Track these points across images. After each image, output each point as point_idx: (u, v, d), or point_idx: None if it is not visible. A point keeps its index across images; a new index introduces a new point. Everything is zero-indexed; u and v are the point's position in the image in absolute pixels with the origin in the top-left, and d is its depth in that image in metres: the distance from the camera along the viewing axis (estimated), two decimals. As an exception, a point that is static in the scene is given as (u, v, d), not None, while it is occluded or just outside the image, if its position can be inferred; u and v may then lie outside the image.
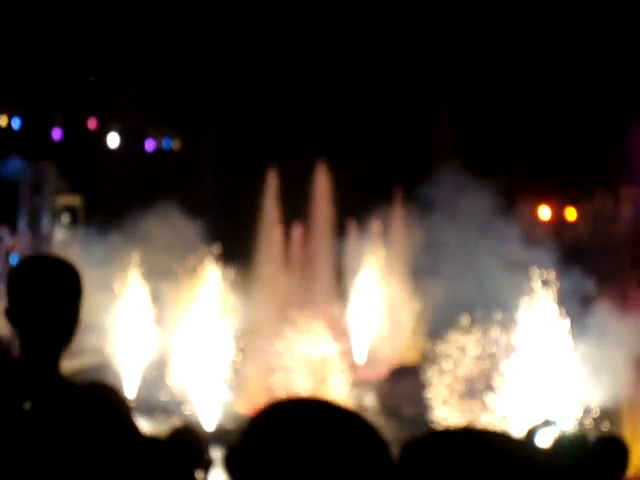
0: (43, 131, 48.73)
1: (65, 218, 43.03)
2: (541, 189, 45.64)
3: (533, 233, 35.10)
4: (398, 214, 39.53)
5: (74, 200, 42.75)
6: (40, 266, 3.44)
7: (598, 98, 48.05)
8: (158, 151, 46.11)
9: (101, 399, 3.30)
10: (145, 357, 32.99)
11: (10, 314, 3.42)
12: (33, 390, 3.27)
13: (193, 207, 36.15)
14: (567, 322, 26.44)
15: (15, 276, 3.45)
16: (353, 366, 34.09)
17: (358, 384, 32.23)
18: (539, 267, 27.24)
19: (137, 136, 43.88)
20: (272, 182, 37.04)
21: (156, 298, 33.23)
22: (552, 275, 27.13)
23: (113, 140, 46.43)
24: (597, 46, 48.30)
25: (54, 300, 3.37)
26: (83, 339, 37.87)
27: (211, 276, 31.81)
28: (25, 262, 3.50)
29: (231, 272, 31.92)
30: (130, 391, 31.98)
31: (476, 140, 39.28)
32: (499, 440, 2.15)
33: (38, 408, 3.23)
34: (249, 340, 31.36)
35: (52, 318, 3.36)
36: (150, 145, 46.45)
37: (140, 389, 31.71)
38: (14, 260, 36.12)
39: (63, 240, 41.38)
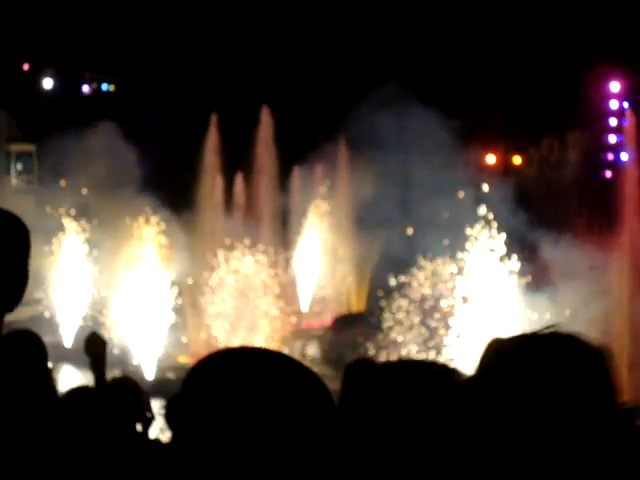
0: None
1: (19, 165, 43.10)
2: (488, 136, 45.57)
3: (479, 178, 34.95)
4: (343, 157, 39.26)
5: (28, 147, 42.61)
6: None
7: (544, 45, 47.93)
8: (94, 93, 45.60)
9: (15, 346, 3.14)
10: (84, 307, 32.71)
11: None
12: None
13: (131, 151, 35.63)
14: (513, 263, 26.47)
15: None
16: (297, 314, 33.95)
17: (302, 332, 32.14)
18: (487, 210, 27.13)
19: (73, 79, 43.27)
20: (213, 130, 36.71)
21: (97, 248, 32.95)
22: (496, 217, 27.03)
23: (48, 83, 45.84)
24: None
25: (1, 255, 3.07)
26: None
27: (150, 226, 31.58)
28: None
29: (172, 222, 31.70)
30: (68, 341, 31.70)
31: (422, 82, 38.88)
32: (435, 370, 2.11)
33: None
34: (189, 290, 31.21)
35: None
36: (86, 88, 45.90)
37: (77, 339, 31.23)
38: None
39: (18, 187, 41.41)
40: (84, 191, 34.73)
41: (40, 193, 37.09)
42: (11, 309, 3.08)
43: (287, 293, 33.54)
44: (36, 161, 42.10)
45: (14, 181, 43.06)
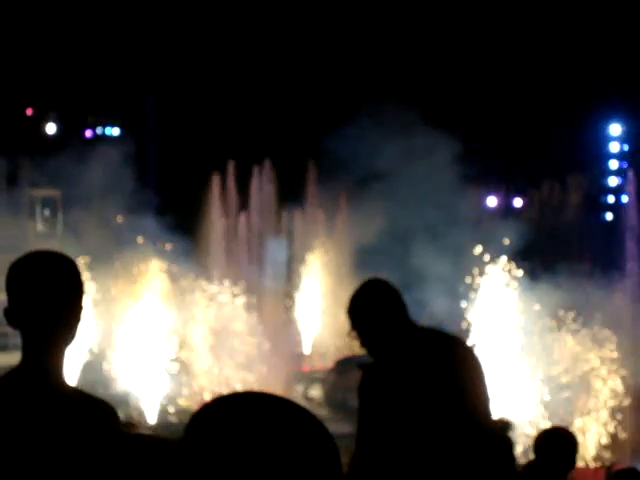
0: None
1: (45, 210, 43.44)
2: (488, 179, 45.73)
3: (480, 221, 35.04)
4: (343, 202, 39.50)
5: (53, 192, 42.93)
6: (39, 262, 3.24)
7: (545, 88, 48.21)
8: (97, 137, 45.91)
9: (102, 413, 3.20)
10: (86, 349, 32.71)
11: (10, 314, 3.19)
12: (35, 394, 3.13)
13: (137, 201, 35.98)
14: (514, 303, 26.37)
15: (13, 273, 3.21)
16: (299, 357, 33.93)
17: (304, 375, 32.09)
18: (487, 253, 27.19)
19: (75, 123, 43.56)
20: (216, 183, 37.18)
21: (102, 293, 33.02)
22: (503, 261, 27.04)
23: (51, 128, 46.18)
24: (547, 38, 48.46)
25: (55, 297, 3.18)
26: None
27: (158, 270, 31.73)
28: (23, 258, 3.25)
29: (177, 265, 31.84)
30: (70, 381, 31.58)
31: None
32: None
33: (39, 415, 3.11)
34: (194, 334, 31.21)
35: (54, 317, 3.17)
36: (89, 132, 46.24)
37: (80, 380, 31.21)
38: None
39: (42, 232, 41.65)
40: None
41: (63, 238, 37.23)
42: (67, 346, 3.18)
43: (289, 336, 33.57)
44: (60, 206, 42.44)
45: (39, 226, 43.46)
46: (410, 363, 4.51)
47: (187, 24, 48.22)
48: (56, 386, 3.19)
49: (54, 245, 35.73)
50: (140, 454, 3.14)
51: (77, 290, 3.22)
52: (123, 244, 32.30)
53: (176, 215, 35.55)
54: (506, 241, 29.65)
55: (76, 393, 3.24)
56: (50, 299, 3.17)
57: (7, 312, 3.19)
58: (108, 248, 32.31)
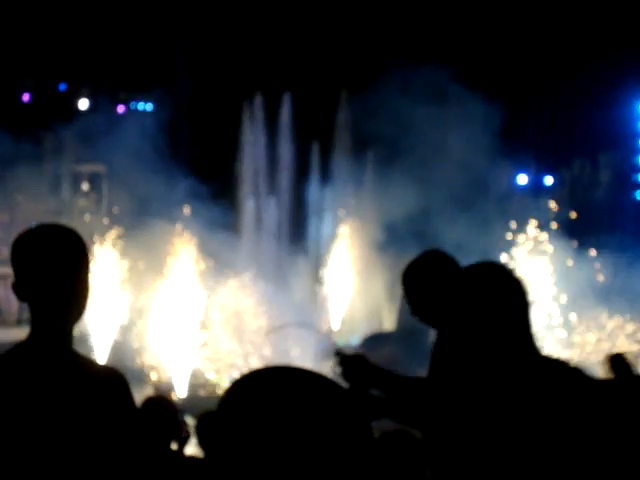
0: (13, 95, 48.43)
1: (88, 185, 43.62)
2: (520, 156, 45.46)
3: (511, 197, 34.90)
4: (371, 174, 39.41)
5: (98, 168, 43.06)
6: (44, 235, 3.24)
7: (575, 65, 47.81)
8: (130, 112, 45.95)
9: (114, 382, 3.26)
10: (116, 323, 32.84)
11: (18, 288, 3.24)
12: (46, 366, 3.15)
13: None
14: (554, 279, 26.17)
15: (19, 247, 3.24)
16: (328, 332, 33.97)
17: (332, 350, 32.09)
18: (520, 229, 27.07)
19: (108, 98, 43.61)
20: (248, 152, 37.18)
21: (132, 265, 33.10)
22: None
23: (83, 103, 46.25)
24: (581, 13, 48.02)
25: (62, 270, 3.19)
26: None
27: (187, 243, 31.77)
28: (28, 232, 3.27)
29: (210, 241, 31.89)
30: (100, 357, 31.83)
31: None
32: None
33: (51, 385, 3.13)
34: (222, 308, 31.29)
35: (62, 289, 3.19)
36: (121, 108, 46.28)
37: (110, 355, 31.39)
38: None
39: (86, 207, 41.78)
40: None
41: (108, 213, 37.41)
42: (77, 321, 3.24)
43: (319, 312, 33.62)
44: (105, 181, 42.55)
45: (82, 202, 43.55)
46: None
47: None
48: (66, 356, 3.20)
49: (99, 220, 35.99)
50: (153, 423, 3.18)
51: (82, 263, 3.24)
52: (160, 215, 32.38)
53: (212, 184, 35.69)
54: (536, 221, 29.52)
55: (87, 362, 3.27)
56: (56, 272, 3.18)
57: (15, 286, 3.22)
58: (146, 221, 32.34)
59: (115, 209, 36.81)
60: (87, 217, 38.10)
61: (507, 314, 3.98)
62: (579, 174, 44.21)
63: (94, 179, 43.45)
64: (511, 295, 4.03)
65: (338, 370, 4.68)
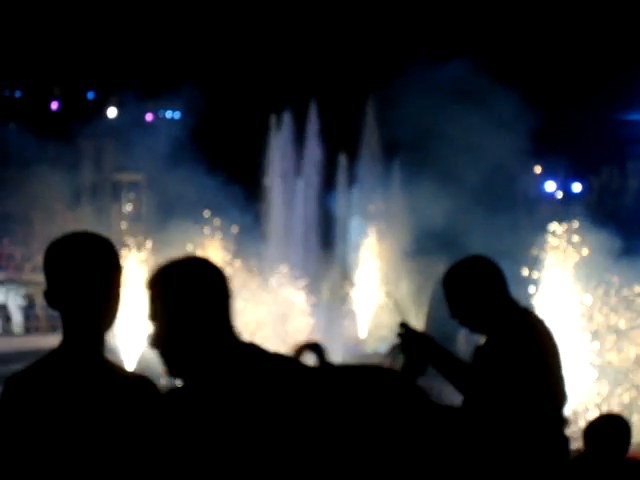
0: (42, 102, 48.77)
1: (130, 194, 44.00)
2: (548, 163, 45.37)
3: (540, 204, 34.76)
4: (397, 181, 39.40)
5: (137, 177, 43.41)
6: (77, 243, 3.25)
7: (603, 75, 47.67)
8: (158, 121, 46.25)
9: (145, 390, 3.26)
10: (144, 331, 32.84)
11: (49, 296, 3.24)
12: (80, 373, 3.17)
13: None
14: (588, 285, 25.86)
15: (51, 255, 3.24)
16: (356, 339, 33.95)
17: (360, 357, 32.14)
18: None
19: (136, 107, 43.89)
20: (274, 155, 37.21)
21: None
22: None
23: (112, 111, 46.58)
24: (611, 21, 47.88)
25: (93, 278, 3.21)
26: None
27: (214, 242, 31.90)
28: (60, 240, 3.27)
29: (235, 245, 32.02)
30: (128, 365, 31.86)
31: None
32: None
33: (83, 392, 3.15)
34: (250, 315, 31.33)
35: (94, 297, 3.21)
36: (150, 116, 46.59)
37: (137, 363, 31.46)
38: None
39: (128, 215, 42.12)
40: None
41: (149, 222, 37.64)
42: (108, 329, 3.26)
43: (347, 319, 33.61)
44: (145, 190, 42.87)
45: (125, 210, 44.00)
46: (511, 340, 4.69)
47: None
48: (98, 363, 3.22)
49: (140, 228, 36.20)
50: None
51: (114, 270, 3.25)
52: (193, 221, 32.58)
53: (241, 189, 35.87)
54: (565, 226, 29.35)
55: (119, 370, 3.28)
56: (88, 280, 3.19)
57: (47, 294, 3.23)
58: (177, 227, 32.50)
59: (148, 215, 37.02)
60: (124, 224, 38.38)
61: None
62: (607, 181, 44.10)
63: (132, 188, 43.82)
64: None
65: (399, 341, 4.84)
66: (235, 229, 32.81)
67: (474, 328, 4.92)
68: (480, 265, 4.91)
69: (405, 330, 4.93)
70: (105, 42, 46.96)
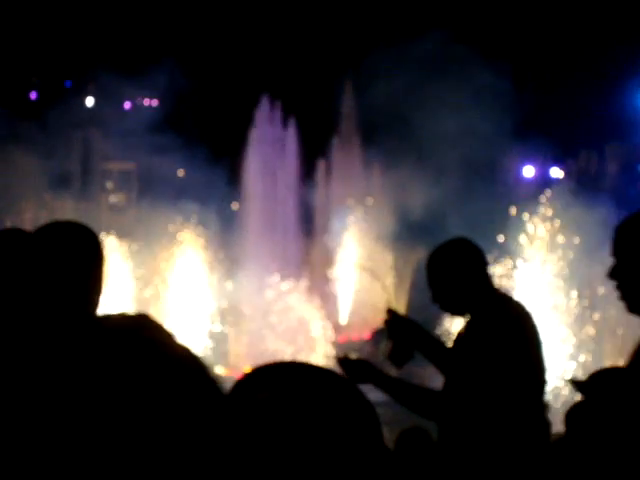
0: (20, 93, 48.56)
1: (117, 184, 43.83)
2: (525, 149, 45.42)
3: (517, 191, 34.83)
4: (378, 168, 39.36)
5: (127, 166, 43.22)
6: (59, 232, 3.26)
7: (582, 58, 47.72)
8: (136, 109, 46.05)
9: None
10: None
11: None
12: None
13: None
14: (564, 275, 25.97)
15: (32, 245, 3.22)
16: (336, 327, 33.94)
17: (341, 345, 32.16)
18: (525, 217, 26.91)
19: (114, 96, 43.70)
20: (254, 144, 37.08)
21: (138, 262, 33.06)
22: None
23: (89, 100, 46.40)
24: (588, 7, 47.95)
25: (75, 266, 3.19)
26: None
27: (193, 241, 31.75)
28: (43, 228, 3.29)
29: (214, 238, 31.90)
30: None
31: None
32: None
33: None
34: (230, 305, 31.28)
35: (73, 285, 3.17)
36: (128, 105, 46.39)
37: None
38: None
39: (116, 205, 41.91)
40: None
41: (138, 210, 37.50)
42: (91, 312, 3.22)
43: (326, 306, 33.58)
44: (135, 179, 42.68)
45: (112, 199, 43.78)
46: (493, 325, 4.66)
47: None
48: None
49: (129, 219, 36.08)
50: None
51: (96, 260, 3.25)
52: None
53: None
54: (545, 209, 29.39)
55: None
56: (69, 268, 3.17)
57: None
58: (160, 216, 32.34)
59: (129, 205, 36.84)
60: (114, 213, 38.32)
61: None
62: (586, 166, 44.22)
63: (122, 176, 43.64)
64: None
65: (385, 327, 4.84)
66: (216, 219, 32.74)
67: (455, 312, 4.92)
68: (462, 248, 4.90)
69: (392, 315, 4.93)
70: (79, 29, 46.72)
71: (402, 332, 4.88)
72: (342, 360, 4.79)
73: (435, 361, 4.94)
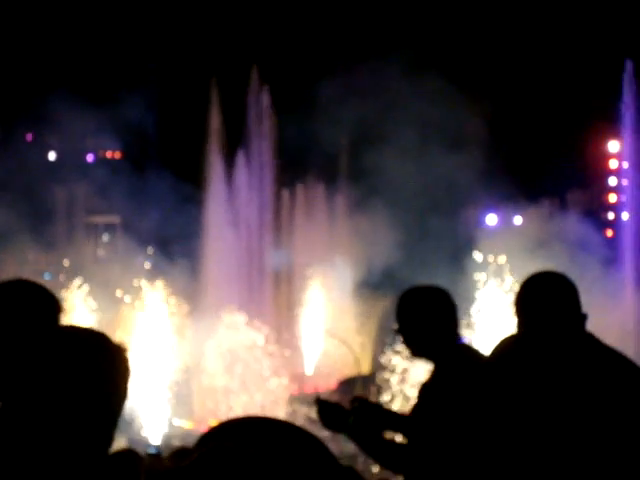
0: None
1: (105, 236, 44.13)
2: (489, 197, 45.70)
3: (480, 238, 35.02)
4: (343, 213, 39.42)
5: (112, 219, 43.51)
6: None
7: (544, 104, 48.22)
8: (99, 161, 46.13)
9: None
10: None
11: None
12: None
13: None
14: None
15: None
16: (302, 377, 33.84)
17: (307, 396, 32.05)
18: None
19: (76, 148, 43.71)
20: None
21: (104, 316, 32.92)
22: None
23: (51, 154, 46.41)
24: (546, 56, 48.51)
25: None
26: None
27: (158, 297, 31.72)
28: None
29: (178, 285, 31.87)
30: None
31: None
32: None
33: None
34: (195, 356, 31.15)
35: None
36: (90, 157, 46.40)
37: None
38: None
39: (104, 257, 42.18)
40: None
41: (125, 262, 37.44)
42: None
43: (292, 357, 33.51)
44: (120, 231, 42.90)
45: (100, 252, 44.04)
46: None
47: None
48: None
49: (115, 268, 36.03)
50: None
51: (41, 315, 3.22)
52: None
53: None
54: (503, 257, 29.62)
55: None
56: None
57: None
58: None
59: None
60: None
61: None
62: (548, 213, 44.54)
63: (108, 229, 43.98)
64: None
65: (317, 416, 4.79)
66: (177, 268, 32.68)
67: (420, 355, 4.87)
68: (430, 294, 4.87)
69: (321, 404, 4.90)
70: (39, 83, 46.68)
71: (368, 419, 4.86)
72: (320, 402, 4.79)
73: (402, 432, 4.93)
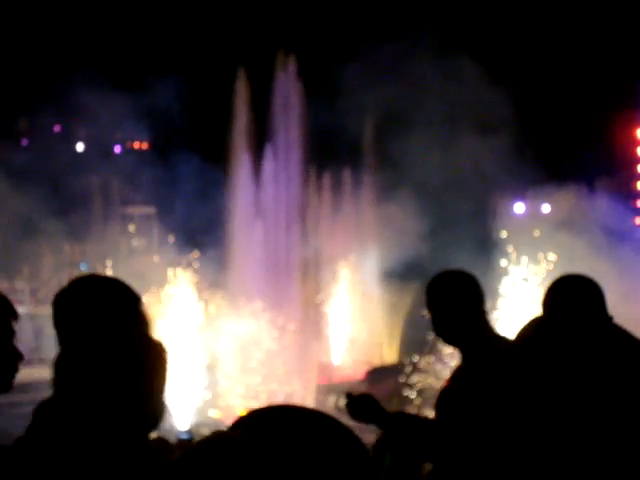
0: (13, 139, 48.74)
1: (139, 227, 44.40)
2: (517, 185, 45.54)
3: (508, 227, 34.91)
4: (371, 205, 39.33)
5: (147, 210, 43.79)
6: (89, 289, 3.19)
7: (573, 92, 47.99)
8: (126, 152, 46.30)
9: None
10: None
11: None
12: None
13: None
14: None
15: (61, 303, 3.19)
16: (330, 367, 33.88)
17: (335, 386, 32.09)
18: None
19: (104, 139, 43.88)
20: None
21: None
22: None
23: (79, 145, 46.62)
24: (574, 41, 48.26)
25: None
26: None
27: (187, 284, 31.78)
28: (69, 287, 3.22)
29: (207, 280, 31.93)
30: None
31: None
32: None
33: None
34: (224, 345, 31.22)
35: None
36: (118, 148, 46.60)
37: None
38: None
39: (138, 248, 42.41)
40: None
41: (160, 253, 37.56)
42: None
43: (320, 347, 33.55)
44: (156, 222, 43.07)
45: (135, 243, 44.32)
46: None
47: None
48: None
49: (149, 261, 36.18)
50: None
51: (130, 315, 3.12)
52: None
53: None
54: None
55: None
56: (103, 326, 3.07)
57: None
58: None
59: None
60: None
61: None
62: (576, 200, 44.33)
63: (142, 220, 44.18)
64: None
65: (347, 409, 4.82)
66: (200, 258, 32.78)
67: (448, 340, 4.88)
68: (462, 278, 4.86)
69: (350, 398, 4.92)
70: (68, 78, 46.83)
71: (362, 412, 4.88)
72: (348, 396, 4.82)
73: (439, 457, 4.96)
